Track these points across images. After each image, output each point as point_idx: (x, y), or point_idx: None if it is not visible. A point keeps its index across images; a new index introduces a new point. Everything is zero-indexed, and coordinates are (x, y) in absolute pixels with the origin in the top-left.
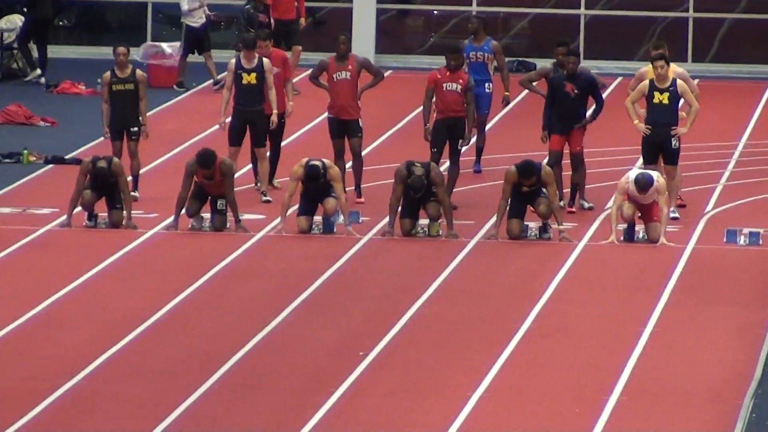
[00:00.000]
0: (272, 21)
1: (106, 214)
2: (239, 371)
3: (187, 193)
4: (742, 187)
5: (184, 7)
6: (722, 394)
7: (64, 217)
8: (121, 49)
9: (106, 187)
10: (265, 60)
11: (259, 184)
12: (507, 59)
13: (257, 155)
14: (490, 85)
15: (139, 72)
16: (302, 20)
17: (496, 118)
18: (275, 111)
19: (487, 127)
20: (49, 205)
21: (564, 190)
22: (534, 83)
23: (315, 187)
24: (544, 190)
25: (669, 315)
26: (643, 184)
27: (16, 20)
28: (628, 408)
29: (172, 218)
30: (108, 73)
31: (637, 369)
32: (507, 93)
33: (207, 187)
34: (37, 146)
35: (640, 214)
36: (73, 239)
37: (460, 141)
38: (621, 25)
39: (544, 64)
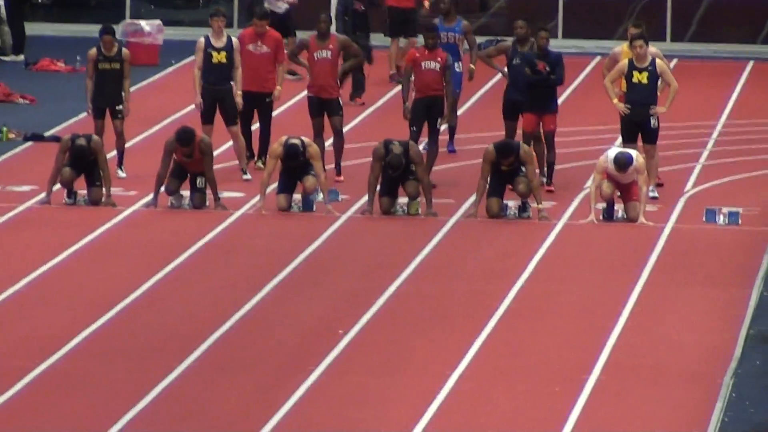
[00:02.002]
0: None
1: (85, 191)
2: (218, 350)
3: (166, 171)
4: (722, 166)
5: None
6: (702, 374)
7: (43, 194)
8: (107, 38)
9: (85, 165)
10: (234, 39)
11: (257, 162)
12: (485, 38)
13: (230, 134)
14: (460, 64)
15: (125, 50)
16: (426, 4)
17: (472, 99)
18: (239, 91)
19: (460, 108)
20: (28, 183)
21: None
22: (492, 59)
23: (294, 166)
24: (522, 168)
25: (648, 294)
26: (623, 163)
27: None
28: (608, 387)
29: (151, 196)
30: (94, 50)
31: (617, 348)
32: (472, 66)
33: (186, 164)
34: (15, 123)
35: (619, 193)
36: (53, 217)
37: (439, 119)
38: (600, 4)
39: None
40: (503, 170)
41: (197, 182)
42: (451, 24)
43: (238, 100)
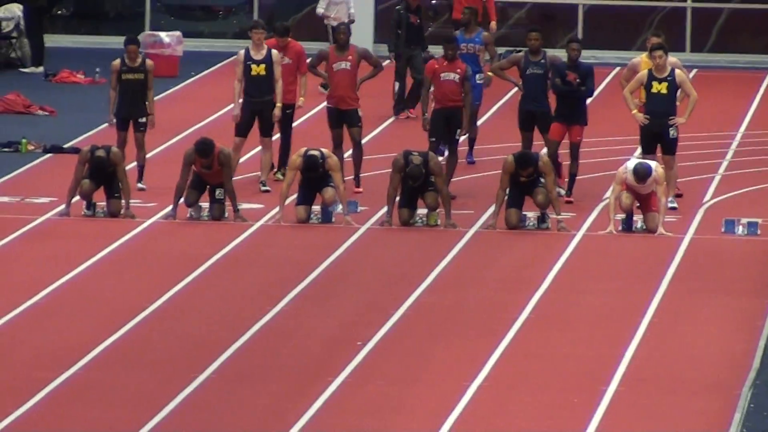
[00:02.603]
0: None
1: (104, 203)
2: (238, 361)
3: (185, 183)
4: (740, 177)
5: (320, 10)
6: (720, 384)
7: (63, 206)
8: (132, 47)
9: (104, 176)
10: (273, 51)
11: (276, 173)
12: (505, 48)
13: (262, 144)
14: (481, 76)
15: (149, 61)
16: (493, 24)
17: (490, 111)
18: (279, 103)
19: (480, 119)
20: (47, 195)
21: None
22: (505, 71)
23: (313, 177)
24: (541, 179)
25: (667, 305)
26: (642, 174)
27: (15, 9)
28: (626, 398)
29: (170, 207)
30: (118, 61)
31: (636, 359)
32: (489, 74)
33: (205, 176)
34: (35, 135)
35: (638, 204)
36: (72, 228)
37: (459, 131)
38: (619, 14)
39: (554, 54)
40: (522, 181)
41: (216, 193)
42: (472, 35)
43: (277, 112)
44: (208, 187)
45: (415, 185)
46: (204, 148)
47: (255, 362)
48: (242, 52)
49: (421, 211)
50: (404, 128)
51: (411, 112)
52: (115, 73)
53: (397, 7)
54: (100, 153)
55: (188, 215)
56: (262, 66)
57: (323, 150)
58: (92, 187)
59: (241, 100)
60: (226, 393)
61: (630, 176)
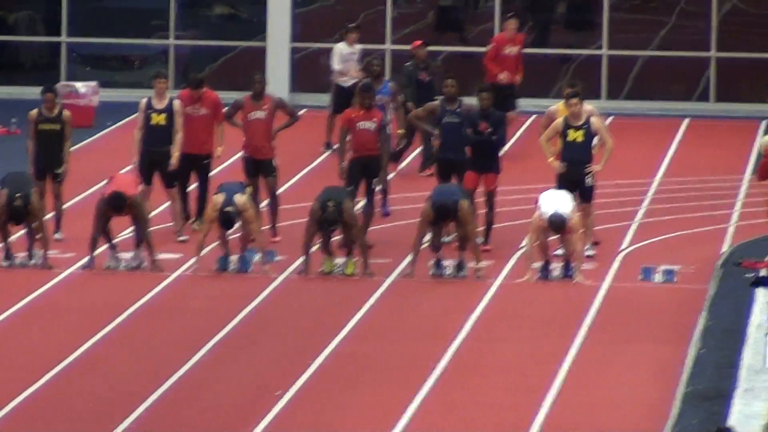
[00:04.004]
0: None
1: (23, 254)
2: (155, 412)
3: (99, 233)
4: (658, 224)
5: (336, 66)
6: None
7: None
8: (49, 96)
9: (22, 222)
10: (175, 102)
11: (193, 223)
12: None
13: (168, 196)
14: (391, 126)
15: (65, 112)
16: (518, 77)
17: (407, 160)
18: (176, 153)
19: (396, 168)
20: None
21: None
22: (420, 119)
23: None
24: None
25: (585, 353)
26: (558, 225)
27: None
28: None
29: (87, 258)
30: (35, 111)
31: (554, 407)
32: (401, 131)
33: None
34: None
35: (558, 249)
36: None
37: (375, 180)
38: (536, 62)
39: (466, 100)
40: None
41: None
42: (379, 86)
43: (173, 161)
44: None
45: (331, 229)
46: (117, 203)
47: (175, 413)
48: (144, 100)
49: (339, 260)
50: (320, 177)
51: (427, 171)
52: (32, 123)
53: (407, 64)
54: (18, 202)
55: (105, 266)
56: (163, 116)
57: (238, 202)
58: (5, 221)
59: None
60: None
61: (546, 223)
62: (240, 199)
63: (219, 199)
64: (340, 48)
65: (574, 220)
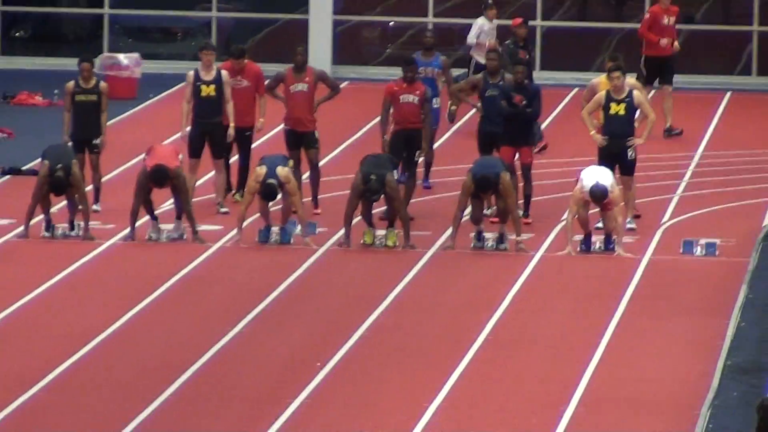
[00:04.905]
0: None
1: (64, 225)
2: (195, 383)
3: (140, 205)
4: (699, 197)
5: (472, 40)
6: (679, 405)
7: (21, 228)
8: (85, 65)
9: (63, 193)
10: (223, 72)
11: (234, 195)
12: (463, 70)
13: (215, 167)
14: (438, 100)
15: (102, 83)
16: (676, 44)
17: (448, 132)
18: (232, 123)
19: (436, 143)
20: (6, 216)
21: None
22: (464, 93)
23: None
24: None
25: (625, 326)
26: (598, 196)
27: None
28: (585, 419)
29: (128, 230)
30: (72, 83)
31: (594, 380)
32: (454, 108)
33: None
34: None
35: (598, 223)
36: (30, 251)
37: (417, 152)
38: (577, 36)
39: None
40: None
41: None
42: (429, 59)
43: (231, 132)
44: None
45: (374, 199)
46: (159, 177)
47: (214, 385)
48: (192, 72)
49: (380, 232)
50: (361, 150)
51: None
52: (69, 95)
53: (506, 42)
54: (59, 173)
55: (147, 237)
56: (212, 87)
57: (281, 174)
58: (50, 199)
59: (189, 121)
60: (184, 416)
61: (587, 196)
62: (282, 171)
63: (261, 171)
64: (480, 23)
65: (614, 193)
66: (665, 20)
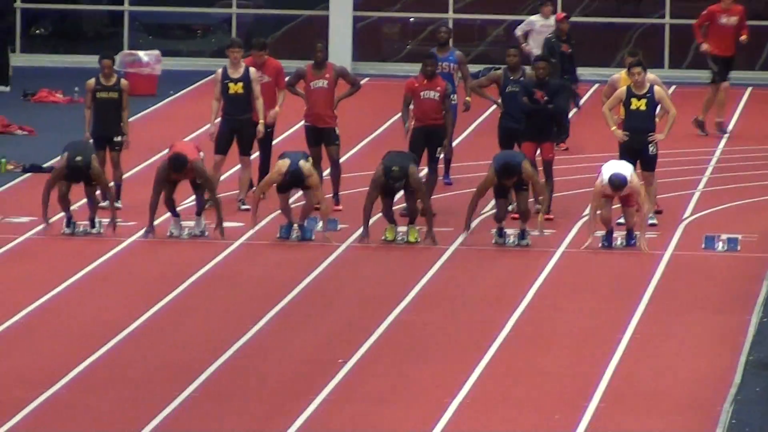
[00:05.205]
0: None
1: (85, 222)
2: (218, 380)
3: (158, 199)
4: (720, 193)
5: (517, 33)
6: (702, 400)
7: (42, 225)
8: (106, 62)
9: (81, 181)
10: (251, 69)
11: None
12: (483, 66)
13: (241, 162)
14: (455, 96)
15: (123, 81)
16: (744, 37)
17: (468, 129)
18: (261, 120)
19: (456, 137)
20: (27, 214)
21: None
22: (484, 89)
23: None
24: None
25: (648, 321)
26: (617, 184)
27: None
28: (608, 414)
29: (146, 227)
30: (93, 80)
31: (617, 375)
32: (468, 99)
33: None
34: (14, 155)
35: (620, 219)
36: (51, 248)
37: (439, 149)
38: (597, 31)
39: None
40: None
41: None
42: (445, 54)
43: (260, 128)
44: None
45: (397, 186)
46: (178, 164)
47: (236, 381)
48: (220, 70)
49: (401, 228)
50: (382, 146)
51: (561, 145)
52: (90, 92)
53: (548, 36)
54: (79, 162)
55: (168, 233)
56: (240, 84)
57: (304, 168)
58: (67, 186)
59: (218, 120)
60: (206, 413)
61: (607, 189)
62: (305, 165)
63: (284, 163)
64: (534, 20)
65: (634, 182)
66: (723, 19)
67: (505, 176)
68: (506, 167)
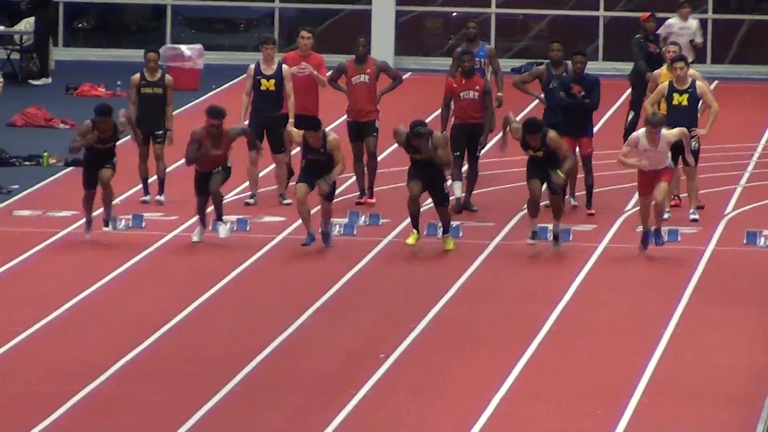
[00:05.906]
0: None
1: (127, 217)
2: (259, 374)
3: (195, 157)
4: (762, 188)
5: (661, 32)
6: (743, 396)
7: (83, 220)
8: (152, 56)
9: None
10: (284, 67)
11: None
12: (526, 61)
13: (275, 161)
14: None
15: (168, 77)
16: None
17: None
18: (291, 119)
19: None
20: (69, 208)
21: (578, 193)
22: (527, 84)
23: (317, 161)
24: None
25: (689, 316)
26: (655, 122)
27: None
28: (649, 410)
29: (198, 227)
30: (137, 75)
31: (658, 371)
32: (500, 94)
33: (208, 161)
34: (57, 149)
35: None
36: (93, 242)
37: (479, 147)
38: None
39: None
40: (537, 156)
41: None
42: (475, 49)
43: (289, 128)
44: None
45: (419, 143)
46: (214, 111)
47: (277, 376)
48: (253, 66)
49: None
50: None
51: None
52: (135, 87)
53: (637, 36)
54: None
55: (211, 228)
56: (272, 81)
57: (330, 139)
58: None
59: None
60: (248, 407)
61: (643, 140)
62: (333, 139)
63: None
64: (672, 22)
65: (671, 134)
66: None
67: (528, 130)
68: (531, 121)
